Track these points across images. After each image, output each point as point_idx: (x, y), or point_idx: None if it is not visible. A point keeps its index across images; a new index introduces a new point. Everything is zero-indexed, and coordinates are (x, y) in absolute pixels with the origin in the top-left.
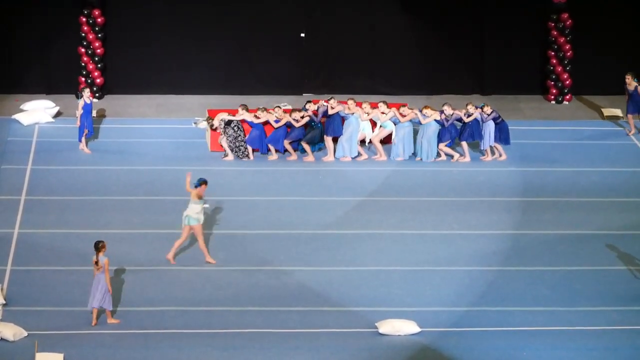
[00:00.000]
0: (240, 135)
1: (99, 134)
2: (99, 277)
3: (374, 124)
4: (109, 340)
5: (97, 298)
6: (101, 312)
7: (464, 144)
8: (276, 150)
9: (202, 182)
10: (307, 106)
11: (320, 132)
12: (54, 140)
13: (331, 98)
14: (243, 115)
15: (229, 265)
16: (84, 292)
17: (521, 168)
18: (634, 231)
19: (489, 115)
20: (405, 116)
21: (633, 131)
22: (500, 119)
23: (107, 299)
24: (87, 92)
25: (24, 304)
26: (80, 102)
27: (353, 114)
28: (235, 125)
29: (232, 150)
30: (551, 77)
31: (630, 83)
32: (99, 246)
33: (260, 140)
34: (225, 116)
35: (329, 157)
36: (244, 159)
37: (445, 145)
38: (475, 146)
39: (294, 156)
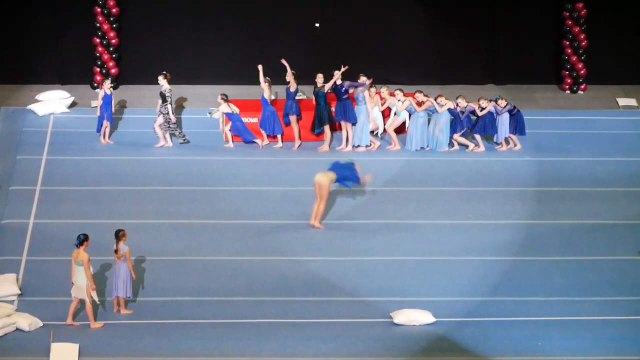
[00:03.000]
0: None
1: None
2: (119, 266)
3: (387, 112)
4: (124, 331)
5: (119, 287)
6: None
7: (477, 135)
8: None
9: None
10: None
11: (327, 113)
12: (69, 131)
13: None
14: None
15: (244, 255)
16: (99, 282)
17: (536, 158)
18: None
19: (503, 108)
20: (422, 105)
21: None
22: (515, 110)
23: (128, 288)
24: (107, 83)
25: (39, 294)
26: (100, 93)
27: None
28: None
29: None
30: (566, 66)
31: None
32: (119, 235)
33: (274, 122)
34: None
35: (347, 147)
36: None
37: (460, 136)
38: (489, 137)
39: (297, 142)
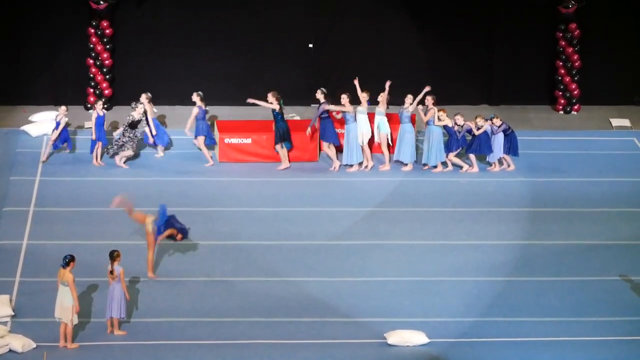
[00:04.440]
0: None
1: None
2: (113, 287)
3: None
4: (117, 352)
5: (113, 308)
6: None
7: (472, 155)
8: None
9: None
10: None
11: (284, 130)
12: (63, 152)
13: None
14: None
15: (238, 276)
16: (92, 303)
17: (530, 178)
18: None
19: (499, 127)
20: (427, 112)
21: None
22: (510, 131)
23: (122, 308)
24: (99, 105)
25: (32, 315)
26: (93, 114)
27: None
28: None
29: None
30: (559, 87)
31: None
32: (113, 255)
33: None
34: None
35: (334, 165)
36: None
37: (454, 155)
38: (483, 157)
39: (210, 162)
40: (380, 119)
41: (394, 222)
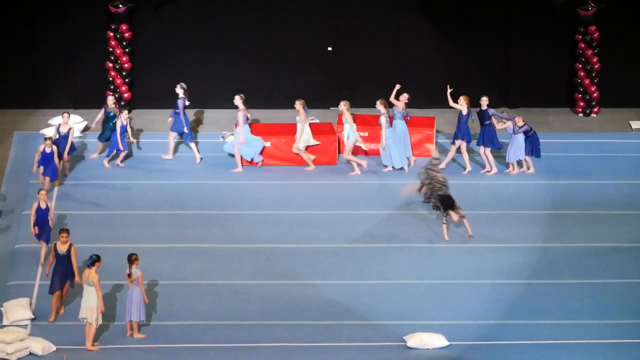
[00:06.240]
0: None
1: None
2: (132, 290)
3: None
4: (137, 355)
5: (132, 311)
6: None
7: (490, 156)
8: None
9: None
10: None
11: (110, 130)
12: (82, 155)
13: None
14: None
15: (256, 279)
16: (112, 306)
17: (549, 181)
18: None
19: (520, 127)
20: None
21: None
22: (531, 132)
23: (141, 311)
24: (125, 114)
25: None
26: (118, 123)
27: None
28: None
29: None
30: (579, 89)
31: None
32: (132, 259)
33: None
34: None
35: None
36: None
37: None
38: (502, 159)
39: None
40: (348, 128)
41: (412, 225)
